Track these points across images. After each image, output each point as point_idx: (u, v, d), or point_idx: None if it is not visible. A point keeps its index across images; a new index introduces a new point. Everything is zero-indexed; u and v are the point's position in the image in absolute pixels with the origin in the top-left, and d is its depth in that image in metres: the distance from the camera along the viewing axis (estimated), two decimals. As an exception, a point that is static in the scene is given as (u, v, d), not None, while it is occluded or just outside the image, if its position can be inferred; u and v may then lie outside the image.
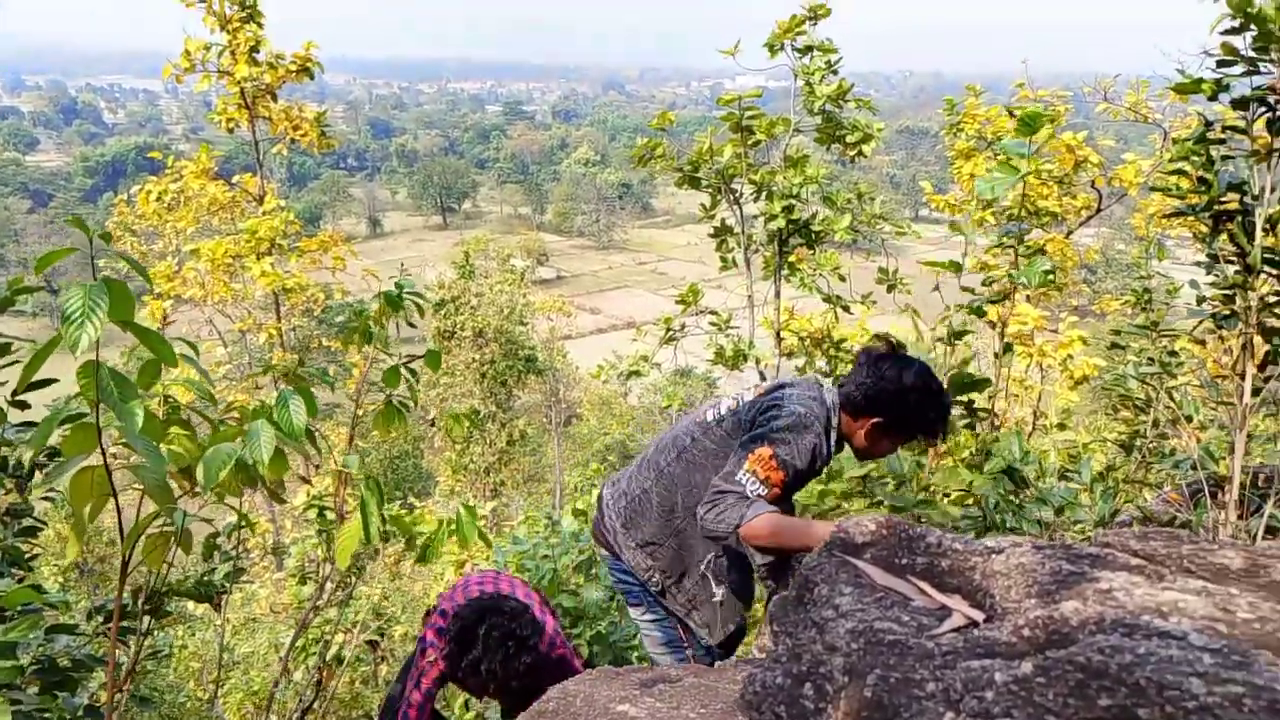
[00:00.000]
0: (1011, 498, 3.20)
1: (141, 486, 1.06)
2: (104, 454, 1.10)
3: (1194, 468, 3.47)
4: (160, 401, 1.19)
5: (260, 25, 8.05)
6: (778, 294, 6.98)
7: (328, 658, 4.57)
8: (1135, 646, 0.81)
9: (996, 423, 3.94)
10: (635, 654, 4.49)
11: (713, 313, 6.43)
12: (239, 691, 6.37)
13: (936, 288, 3.44)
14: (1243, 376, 2.86)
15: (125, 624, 1.93)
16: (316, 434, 1.26)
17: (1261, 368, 2.86)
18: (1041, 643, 0.90)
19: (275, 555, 9.94)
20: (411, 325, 2.76)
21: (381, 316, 2.40)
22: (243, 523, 2.70)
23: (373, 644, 5.56)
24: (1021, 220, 3.69)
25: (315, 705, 4.33)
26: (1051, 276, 3.47)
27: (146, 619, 1.83)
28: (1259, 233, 2.85)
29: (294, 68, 8.31)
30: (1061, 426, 6.36)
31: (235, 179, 9.44)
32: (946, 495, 3.25)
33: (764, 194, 6.32)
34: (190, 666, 7.25)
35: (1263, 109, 2.81)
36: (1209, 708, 0.75)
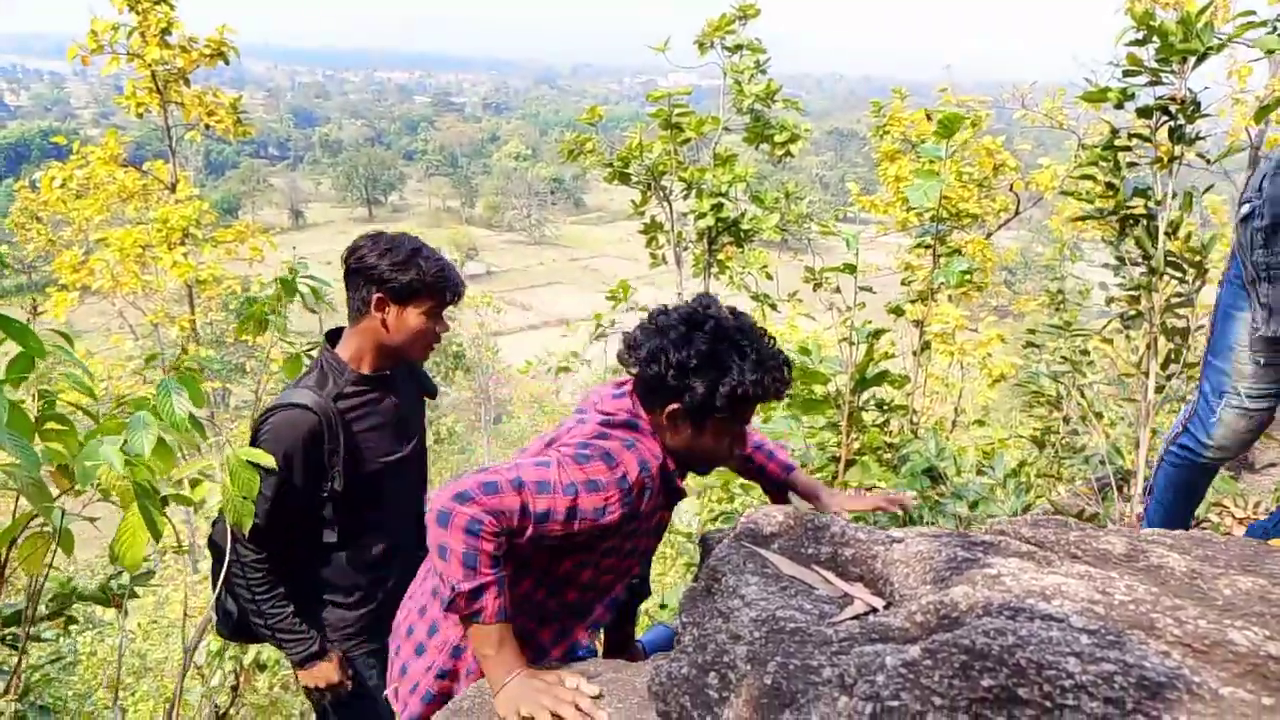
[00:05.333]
0: (929, 493, 3.29)
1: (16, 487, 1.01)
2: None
3: (1103, 463, 3.64)
4: (34, 396, 1.13)
5: (172, 7, 7.75)
6: (706, 291, 7.04)
7: (246, 662, 4.44)
8: (1018, 629, 0.85)
9: (915, 420, 4.05)
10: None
11: (643, 309, 6.45)
12: (150, 699, 6.14)
13: (868, 287, 3.51)
14: (1147, 374, 3.00)
15: (14, 630, 1.84)
16: (207, 425, 1.22)
17: (1164, 366, 3.00)
18: (932, 627, 0.94)
19: (188, 556, 9.61)
20: (313, 312, 2.64)
21: (278, 303, 2.33)
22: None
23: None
24: (942, 222, 3.80)
25: (231, 711, 4.20)
26: (970, 276, 3.58)
27: (39, 624, 1.75)
28: (1162, 237, 3.00)
29: (208, 51, 8.02)
30: (980, 423, 6.59)
31: (147, 166, 9.07)
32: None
33: (694, 192, 6.37)
34: (99, 673, 6.97)
35: (1165, 118, 2.95)
36: (1083, 685, 0.79)
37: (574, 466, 1.50)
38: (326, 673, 2.12)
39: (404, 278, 2.01)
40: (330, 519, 2.11)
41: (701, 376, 1.53)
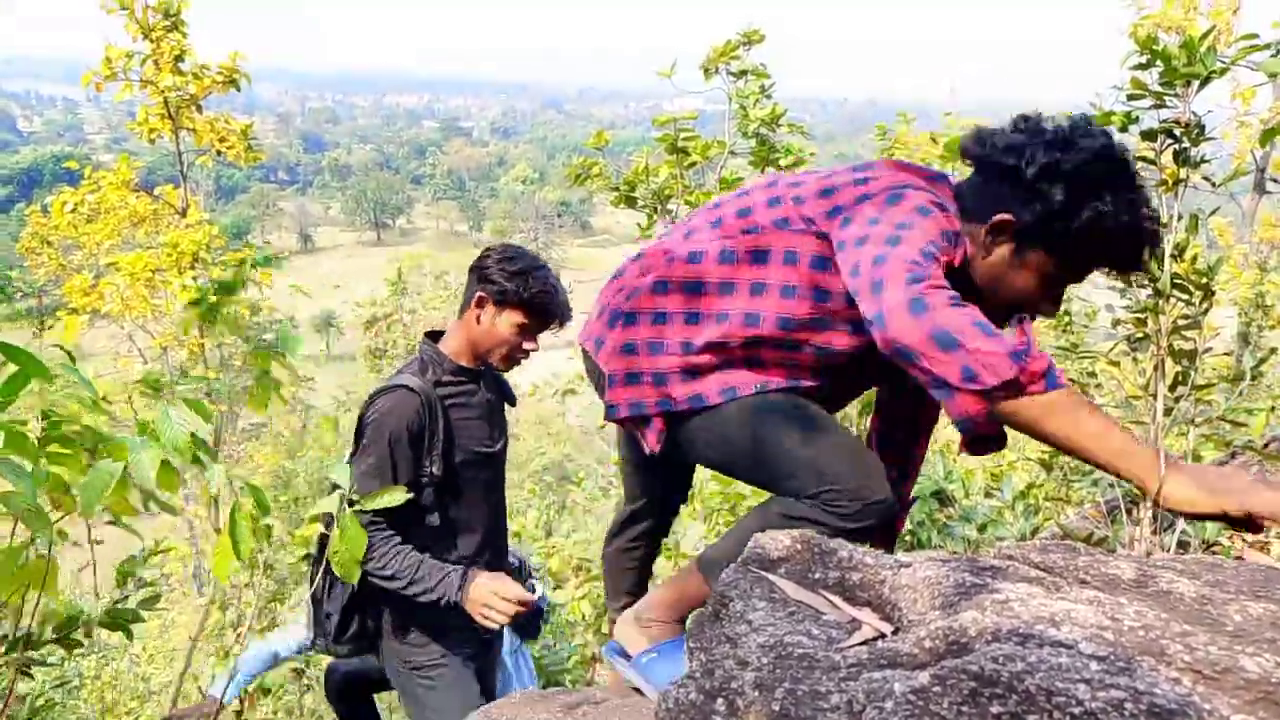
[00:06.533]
0: (937, 515, 3.28)
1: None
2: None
3: (1111, 485, 3.62)
4: (39, 417, 1.13)
5: (185, 35, 7.86)
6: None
7: (250, 687, 4.43)
8: (1027, 655, 0.85)
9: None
10: (568, 677, 4.46)
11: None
12: (154, 723, 6.12)
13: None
14: (1155, 397, 2.99)
15: (17, 654, 1.84)
16: (213, 449, 1.22)
17: (1172, 388, 2.99)
18: (941, 653, 0.93)
19: (194, 581, 9.60)
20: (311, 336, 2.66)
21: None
22: (160, 547, 2.61)
23: (298, 672, 5.40)
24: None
25: (235, 735, 4.18)
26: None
27: (43, 648, 1.75)
28: (1168, 259, 3.00)
29: (220, 78, 8.13)
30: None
31: (158, 191, 9.16)
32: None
33: (698, 215, 6.37)
34: (104, 698, 6.95)
35: (1170, 141, 2.97)
36: (1093, 713, 0.79)
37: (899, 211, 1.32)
38: (493, 586, 2.05)
39: (507, 285, 2.11)
40: (430, 505, 2.16)
41: (1067, 187, 1.26)
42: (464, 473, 2.20)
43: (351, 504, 1.74)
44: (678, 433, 1.68)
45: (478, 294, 2.16)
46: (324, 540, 2.10)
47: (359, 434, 2.13)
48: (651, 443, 1.67)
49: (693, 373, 1.62)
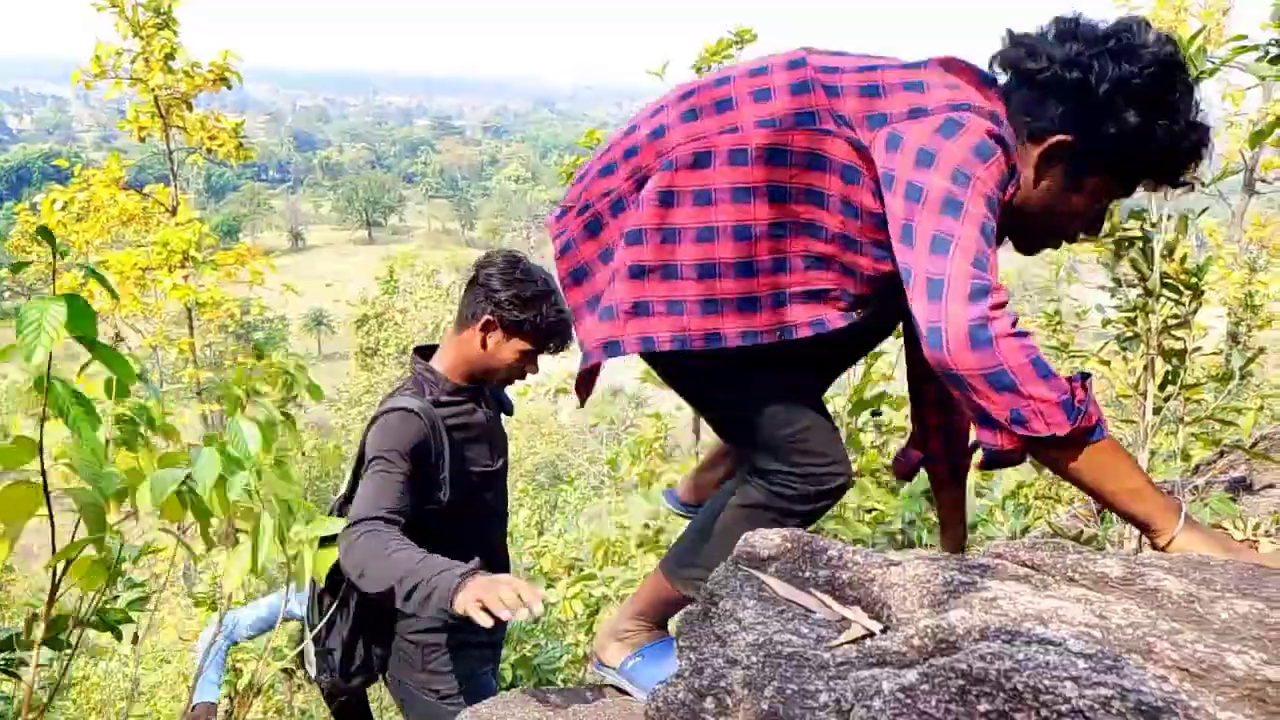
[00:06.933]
0: (927, 514, 3.28)
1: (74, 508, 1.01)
2: (44, 471, 1.06)
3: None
4: (114, 420, 1.14)
5: (175, 32, 7.83)
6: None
7: (240, 686, 4.41)
8: (1015, 653, 0.85)
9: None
10: (560, 676, 4.45)
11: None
12: (144, 723, 6.09)
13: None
14: (1145, 396, 3.00)
15: (10, 656, 1.83)
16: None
17: (1162, 387, 3.00)
18: (929, 651, 0.94)
19: (184, 581, 9.55)
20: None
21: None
22: (150, 547, 2.59)
23: (288, 672, 5.38)
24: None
25: (225, 736, 4.16)
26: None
27: (42, 649, 1.74)
28: (1158, 259, 3.02)
29: (211, 77, 8.10)
30: (978, 445, 6.58)
31: (148, 189, 9.12)
32: (869, 512, 3.31)
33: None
34: (93, 699, 6.92)
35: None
36: (1080, 710, 0.79)
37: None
38: (494, 584, 1.69)
39: (520, 315, 1.99)
40: (436, 531, 1.95)
41: (1141, 107, 1.15)
42: (467, 495, 2.08)
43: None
44: (663, 357, 1.52)
45: (485, 318, 2.01)
46: (332, 580, 2.01)
47: (360, 460, 1.97)
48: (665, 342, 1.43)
49: (712, 304, 1.40)
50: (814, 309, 1.41)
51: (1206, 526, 1.24)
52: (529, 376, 2.17)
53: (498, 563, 2.25)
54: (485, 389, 2.18)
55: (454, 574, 1.66)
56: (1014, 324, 1.14)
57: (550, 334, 2.04)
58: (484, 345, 2.04)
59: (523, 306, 1.99)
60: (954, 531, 1.86)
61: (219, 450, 1.13)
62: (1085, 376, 1.20)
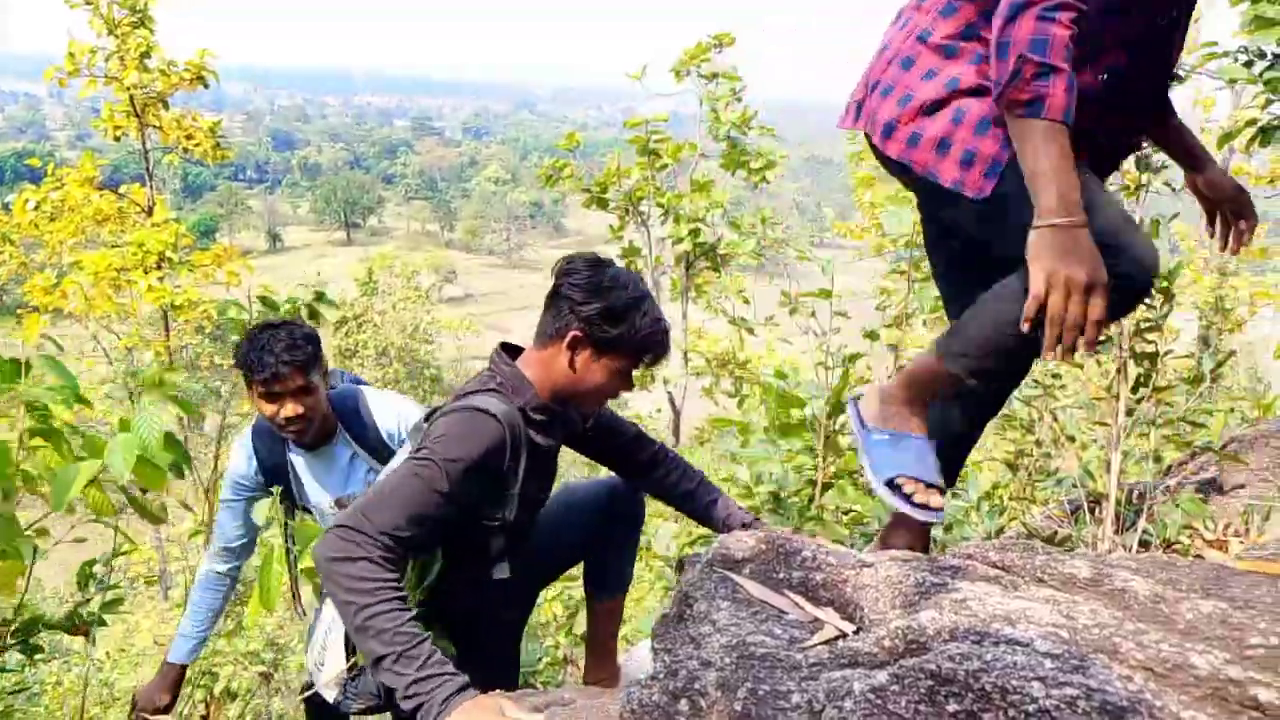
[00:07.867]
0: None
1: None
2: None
3: (1075, 485, 3.67)
4: (21, 409, 1.10)
5: (151, 31, 7.75)
6: (684, 315, 7.07)
7: (215, 691, 4.36)
8: (983, 653, 0.86)
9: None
10: (539, 678, 4.44)
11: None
12: (117, 730, 6.01)
13: (844, 312, 3.52)
14: (1118, 398, 3.04)
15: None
16: (185, 452, 1.20)
17: (1134, 390, 3.04)
18: (899, 652, 0.95)
19: (159, 584, 9.44)
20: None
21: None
22: (123, 549, 2.56)
23: (265, 676, 5.33)
24: (917, 248, 3.85)
25: (199, 742, 4.11)
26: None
27: (2, 655, 1.72)
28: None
29: (188, 75, 8.02)
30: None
31: (123, 189, 9.02)
32: (846, 513, 3.33)
33: (671, 217, 6.42)
34: (67, 703, 6.81)
35: (1132, 146, 3.03)
36: (1047, 710, 0.80)
37: None
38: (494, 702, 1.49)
39: (612, 330, 1.75)
40: (498, 554, 1.81)
41: None
42: (526, 519, 1.89)
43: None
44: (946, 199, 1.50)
45: (571, 334, 1.75)
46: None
47: (416, 451, 1.69)
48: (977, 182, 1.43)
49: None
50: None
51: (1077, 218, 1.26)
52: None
53: (536, 590, 2.20)
54: (571, 411, 1.91)
55: (445, 691, 1.44)
56: (1055, 9, 1.25)
57: (646, 348, 1.81)
58: (572, 365, 1.78)
59: (615, 321, 1.75)
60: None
61: (128, 434, 1.09)
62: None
